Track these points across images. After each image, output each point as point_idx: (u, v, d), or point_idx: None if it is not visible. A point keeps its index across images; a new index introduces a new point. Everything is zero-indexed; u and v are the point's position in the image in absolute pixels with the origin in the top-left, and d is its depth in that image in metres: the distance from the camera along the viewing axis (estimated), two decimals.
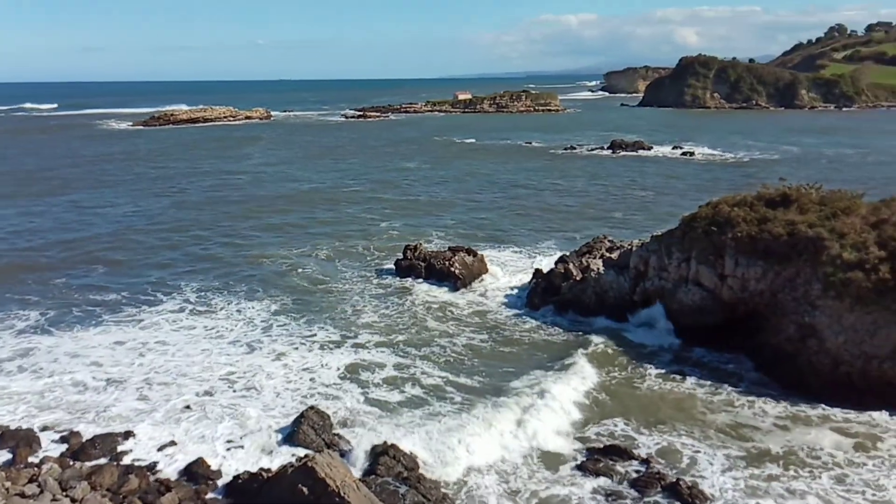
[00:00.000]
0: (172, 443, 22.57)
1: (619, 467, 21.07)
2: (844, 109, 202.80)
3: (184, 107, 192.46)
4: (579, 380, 26.76)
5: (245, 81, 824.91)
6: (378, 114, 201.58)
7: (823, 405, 24.65)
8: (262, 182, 77.82)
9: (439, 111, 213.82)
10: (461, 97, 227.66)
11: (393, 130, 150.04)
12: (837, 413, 24.19)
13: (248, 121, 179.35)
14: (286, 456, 21.50)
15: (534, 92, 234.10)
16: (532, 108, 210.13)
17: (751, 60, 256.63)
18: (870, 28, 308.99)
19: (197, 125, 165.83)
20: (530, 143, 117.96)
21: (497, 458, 21.64)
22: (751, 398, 25.50)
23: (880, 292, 25.12)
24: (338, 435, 22.75)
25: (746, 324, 29.27)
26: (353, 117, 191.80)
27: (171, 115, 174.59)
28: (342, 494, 17.50)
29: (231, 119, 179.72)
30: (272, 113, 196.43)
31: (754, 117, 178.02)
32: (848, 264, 26.11)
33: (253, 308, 35.92)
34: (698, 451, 22.02)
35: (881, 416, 23.67)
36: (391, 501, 18.80)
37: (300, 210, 61.40)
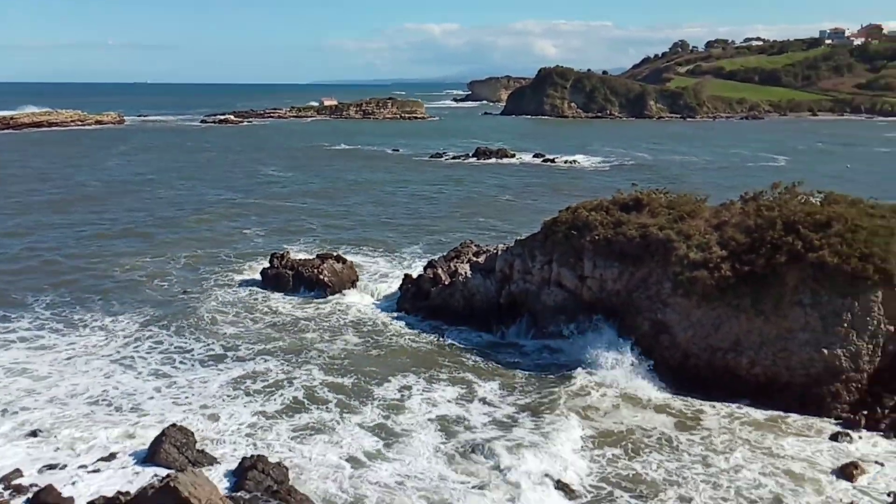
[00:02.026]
0: (17, 472, 20.86)
1: (486, 459, 21.66)
2: (688, 119, 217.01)
3: (32, 108, 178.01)
4: (447, 381, 27.43)
5: (94, 84, 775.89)
6: (241, 119, 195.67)
7: (671, 394, 26.43)
8: (115, 189, 73.59)
9: (305, 117, 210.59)
10: (327, 103, 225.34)
11: (256, 136, 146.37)
12: (677, 400, 26.10)
13: (98, 126, 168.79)
14: (147, 478, 20.44)
15: (400, 99, 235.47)
16: (398, 115, 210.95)
17: (604, 72, 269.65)
18: (709, 45, 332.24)
19: (41, 129, 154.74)
20: (397, 150, 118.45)
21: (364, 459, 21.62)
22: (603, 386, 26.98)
23: (722, 289, 27.12)
24: (202, 451, 21.87)
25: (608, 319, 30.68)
26: (213, 122, 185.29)
27: (11, 119, 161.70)
28: None
29: (80, 123, 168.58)
30: (125, 117, 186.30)
31: (609, 126, 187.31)
32: (694, 264, 27.98)
33: (117, 322, 33.87)
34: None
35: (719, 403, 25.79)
36: None
37: (157, 217, 58.53)
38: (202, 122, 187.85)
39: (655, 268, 29.60)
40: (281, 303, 37.28)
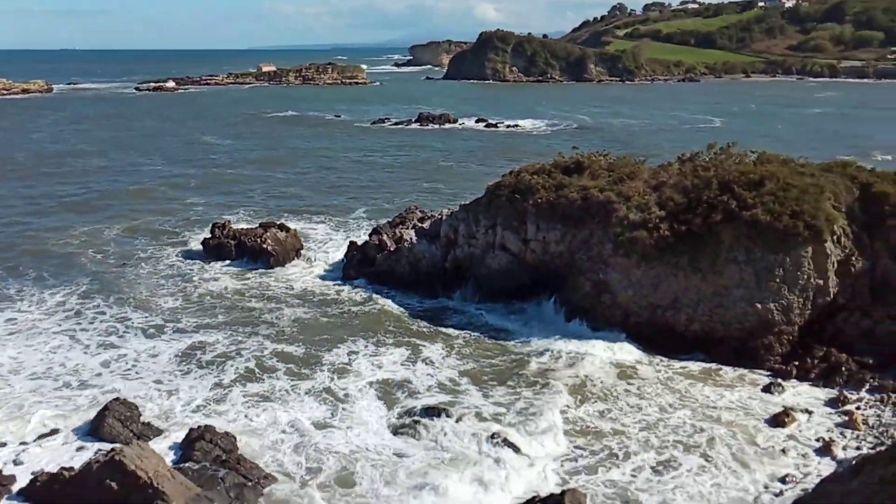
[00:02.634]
0: None
1: (435, 422, 21.98)
2: (627, 82, 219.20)
3: None
4: (393, 346, 27.83)
5: (19, 51, 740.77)
6: (177, 86, 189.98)
7: (613, 353, 27.08)
8: (46, 161, 70.80)
9: (244, 83, 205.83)
10: (266, 69, 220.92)
11: (194, 103, 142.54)
12: (618, 357, 26.78)
13: (25, 95, 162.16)
14: (91, 453, 20.13)
15: (340, 64, 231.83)
16: (339, 81, 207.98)
17: (544, 36, 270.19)
18: (646, 8, 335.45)
19: None
20: (339, 116, 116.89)
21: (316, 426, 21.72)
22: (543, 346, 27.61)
23: (661, 249, 27.81)
24: (148, 424, 21.66)
25: (549, 284, 31.17)
26: (148, 90, 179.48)
27: None
28: (156, 485, 16.77)
29: (5, 93, 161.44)
30: (54, 86, 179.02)
31: (550, 90, 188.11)
32: (634, 224, 28.57)
33: (55, 296, 33.06)
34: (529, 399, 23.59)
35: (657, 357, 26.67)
36: (210, 486, 18.25)
37: (91, 189, 56.76)
38: (136, 89, 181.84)
39: (596, 229, 30.12)
40: (223, 273, 36.74)
